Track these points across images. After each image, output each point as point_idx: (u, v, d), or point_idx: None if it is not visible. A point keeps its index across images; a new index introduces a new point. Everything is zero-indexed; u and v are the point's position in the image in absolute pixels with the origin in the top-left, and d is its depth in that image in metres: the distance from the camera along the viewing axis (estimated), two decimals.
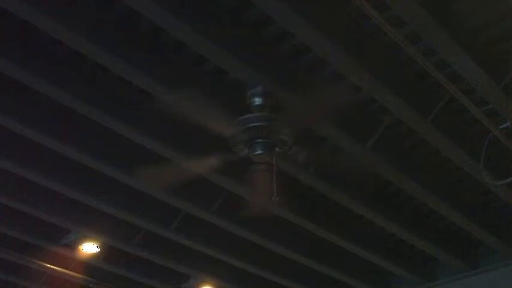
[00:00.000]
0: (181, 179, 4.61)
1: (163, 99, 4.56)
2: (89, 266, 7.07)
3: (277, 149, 4.26)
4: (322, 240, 6.38)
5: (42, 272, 7.14)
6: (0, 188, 5.64)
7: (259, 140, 4.21)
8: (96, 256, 6.79)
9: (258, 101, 4.30)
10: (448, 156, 5.13)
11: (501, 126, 4.66)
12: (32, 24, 3.93)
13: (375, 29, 3.97)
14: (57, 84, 4.40)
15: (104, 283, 7.35)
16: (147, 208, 5.96)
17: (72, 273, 7.05)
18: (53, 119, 4.83)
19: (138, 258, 6.88)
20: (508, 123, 4.63)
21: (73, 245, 6.58)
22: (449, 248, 6.63)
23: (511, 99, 4.36)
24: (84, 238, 6.51)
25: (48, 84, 4.38)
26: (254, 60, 4.18)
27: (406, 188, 5.54)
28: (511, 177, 4.95)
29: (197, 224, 6.18)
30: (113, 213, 5.96)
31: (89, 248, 6.63)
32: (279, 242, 6.45)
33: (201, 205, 5.78)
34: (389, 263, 6.80)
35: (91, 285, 7.33)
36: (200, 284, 7.32)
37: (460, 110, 4.76)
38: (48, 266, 6.91)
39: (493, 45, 4.18)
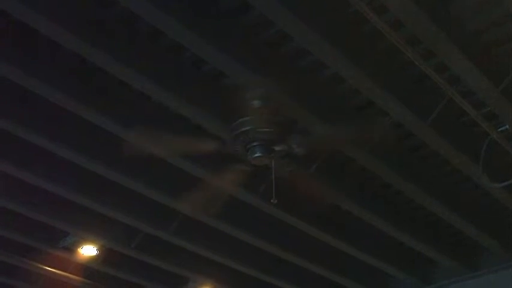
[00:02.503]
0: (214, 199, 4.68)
1: (161, 101, 4.57)
2: (88, 268, 7.06)
3: (275, 152, 4.25)
4: (322, 243, 6.38)
5: (41, 275, 7.12)
6: None
7: (257, 143, 4.20)
8: (94, 259, 6.77)
9: (257, 103, 4.30)
10: (447, 159, 5.13)
11: (500, 129, 4.66)
12: (31, 26, 3.93)
13: (374, 31, 3.97)
14: (56, 87, 4.39)
15: (103, 286, 7.33)
16: (146, 210, 5.96)
17: (70, 275, 7.04)
18: (52, 121, 4.82)
19: (137, 260, 6.87)
20: (507, 126, 4.63)
21: (72, 248, 6.57)
22: (448, 250, 6.63)
23: (510, 102, 4.36)
24: (83, 240, 6.51)
25: (47, 86, 4.37)
26: (253, 63, 4.18)
27: (405, 190, 5.54)
28: (510, 180, 4.95)
29: (196, 227, 6.18)
30: (111, 215, 5.96)
31: (88, 251, 6.63)
32: (278, 245, 6.44)
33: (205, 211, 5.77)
34: (388, 266, 6.80)
35: None
36: (199, 286, 7.30)
37: (459, 112, 4.76)
38: (47, 268, 6.90)
39: (492, 48, 4.18)
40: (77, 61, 4.35)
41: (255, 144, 4.16)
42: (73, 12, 3.93)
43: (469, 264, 6.84)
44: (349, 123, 4.31)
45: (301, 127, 4.65)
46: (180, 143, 4.38)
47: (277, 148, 4.23)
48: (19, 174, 5.36)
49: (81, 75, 4.49)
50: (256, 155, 4.20)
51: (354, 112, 4.79)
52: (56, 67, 4.37)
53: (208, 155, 4.36)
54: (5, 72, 4.26)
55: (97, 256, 6.73)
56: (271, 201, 4.39)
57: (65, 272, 6.99)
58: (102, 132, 4.84)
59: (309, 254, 6.65)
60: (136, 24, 4.16)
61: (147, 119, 4.79)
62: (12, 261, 6.81)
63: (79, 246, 6.56)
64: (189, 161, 5.07)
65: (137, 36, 4.24)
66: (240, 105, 4.23)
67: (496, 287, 6.67)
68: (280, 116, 4.31)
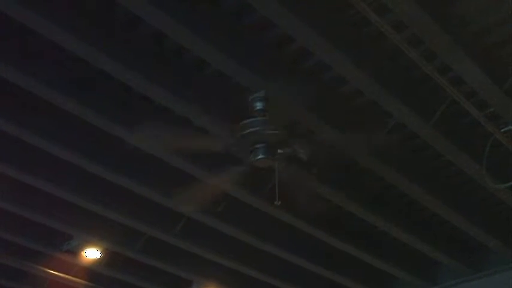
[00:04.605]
0: (211, 197, 4.66)
1: (163, 103, 4.57)
2: (91, 271, 7.06)
3: (279, 154, 4.25)
4: (324, 245, 6.37)
5: (44, 278, 7.13)
6: (2, 193, 5.64)
7: (261, 145, 4.20)
8: (98, 262, 6.77)
9: (259, 105, 4.29)
10: (450, 160, 5.12)
11: (503, 129, 4.65)
12: (31, 27, 3.93)
13: (376, 32, 3.97)
14: (57, 89, 4.40)
15: None
16: (150, 213, 5.95)
17: (74, 279, 7.05)
18: (54, 124, 4.82)
19: (141, 263, 6.87)
20: (510, 126, 4.62)
21: (75, 251, 6.57)
22: (452, 251, 6.61)
23: None
24: (87, 244, 6.51)
25: (48, 88, 4.38)
26: (255, 65, 4.18)
27: (408, 191, 5.53)
28: None
29: (199, 229, 6.17)
30: (115, 218, 5.96)
31: (91, 254, 6.63)
32: (281, 247, 6.44)
33: (203, 210, 5.77)
34: (392, 267, 6.79)
35: None
36: None
37: (462, 113, 4.75)
38: (51, 271, 6.90)
39: (494, 49, 4.18)
40: (79, 64, 4.35)
41: (258, 146, 4.16)
42: (75, 15, 3.93)
43: (474, 265, 6.83)
44: (356, 130, 4.29)
45: (304, 130, 4.65)
46: (183, 140, 4.38)
47: (280, 150, 4.23)
48: (22, 178, 5.37)
49: (83, 78, 4.49)
50: (259, 157, 4.20)
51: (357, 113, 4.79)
52: (58, 70, 4.37)
53: (212, 157, 4.37)
54: (7, 75, 4.26)
55: (101, 259, 6.73)
56: (275, 203, 4.39)
57: (69, 275, 7.00)
58: (105, 135, 4.85)
59: (312, 255, 6.65)
60: (138, 26, 4.16)
61: (151, 122, 4.78)
62: (16, 264, 6.82)
63: (83, 250, 6.56)
64: (193, 163, 5.08)
65: (139, 39, 4.24)
66: (244, 107, 4.24)
67: None
68: (283, 118, 4.31)
